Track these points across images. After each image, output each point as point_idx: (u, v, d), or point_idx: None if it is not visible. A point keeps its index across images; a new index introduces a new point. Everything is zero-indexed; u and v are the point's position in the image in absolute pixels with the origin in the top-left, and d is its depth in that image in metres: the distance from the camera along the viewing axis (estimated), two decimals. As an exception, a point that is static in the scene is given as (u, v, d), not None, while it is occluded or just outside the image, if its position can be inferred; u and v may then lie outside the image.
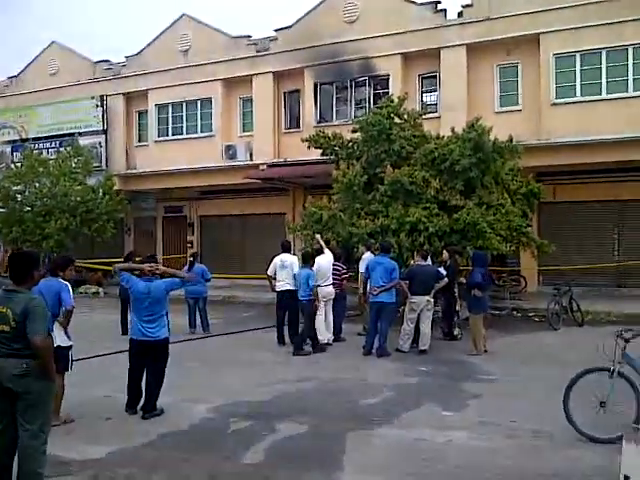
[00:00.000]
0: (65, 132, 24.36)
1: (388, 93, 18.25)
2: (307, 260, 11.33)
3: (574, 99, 17.11)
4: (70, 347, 7.05)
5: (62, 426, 6.79)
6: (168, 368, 7.52)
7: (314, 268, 11.26)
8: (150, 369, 7.37)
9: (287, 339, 11.61)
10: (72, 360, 7.13)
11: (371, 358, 10.51)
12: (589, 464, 5.73)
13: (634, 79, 16.55)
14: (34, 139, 25.10)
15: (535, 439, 6.38)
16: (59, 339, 6.76)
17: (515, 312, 15.53)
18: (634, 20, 16.25)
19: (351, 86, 20.22)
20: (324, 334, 11.21)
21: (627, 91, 16.62)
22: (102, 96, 23.93)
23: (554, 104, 17.23)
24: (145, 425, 7.02)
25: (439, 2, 19.00)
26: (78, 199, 21.37)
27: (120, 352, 9.15)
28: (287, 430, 6.76)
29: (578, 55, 17.07)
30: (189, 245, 24.03)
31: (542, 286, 17.92)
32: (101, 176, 22.51)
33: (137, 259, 12.09)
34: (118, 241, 23.99)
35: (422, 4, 19.04)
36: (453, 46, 18.42)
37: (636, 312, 14.46)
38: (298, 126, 21.18)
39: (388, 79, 19.36)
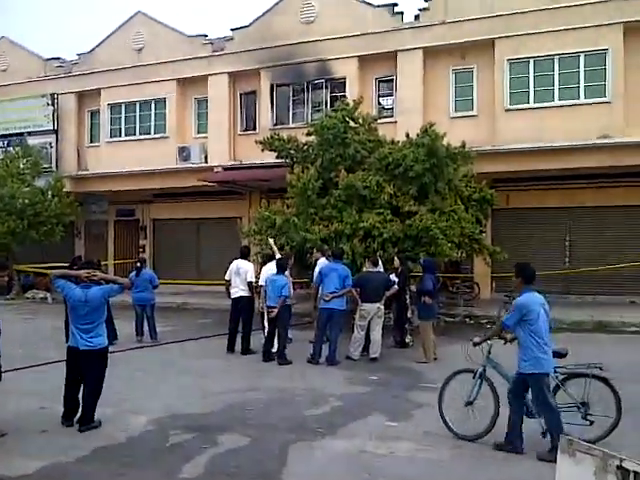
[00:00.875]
0: (14, 132, 23.63)
1: (345, 96, 18.19)
2: (283, 267, 11.03)
3: (527, 105, 17.27)
4: (-3, 357, 6.69)
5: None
6: (111, 378, 7.25)
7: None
8: (87, 379, 7.05)
9: (237, 347, 11.36)
10: (1, 371, 6.77)
11: (320, 367, 10.31)
12: (531, 475, 5.66)
13: (585, 86, 16.79)
14: (-20, 138, 24.25)
15: (479, 450, 6.27)
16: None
17: (468, 319, 15.54)
18: (585, 27, 16.51)
19: (308, 88, 20.07)
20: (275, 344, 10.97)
21: (579, 98, 16.85)
22: (53, 94, 23.31)
23: (508, 110, 17.37)
24: (81, 438, 6.71)
25: (396, 5, 19.03)
26: (26, 201, 20.64)
27: (60, 361, 8.74)
28: (229, 443, 6.53)
29: (532, 61, 17.24)
30: (141, 249, 23.54)
31: (495, 293, 18.02)
32: (51, 177, 21.84)
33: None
34: (68, 245, 23.32)
35: (379, 7, 19.02)
36: (409, 49, 18.44)
37: (583, 319, 14.65)
38: (254, 128, 20.92)
39: (345, 82, 19.27)
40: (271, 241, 12.76)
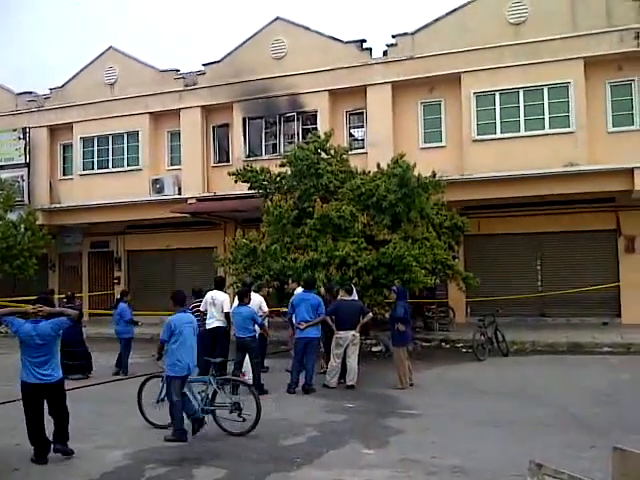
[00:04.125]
0: (-15, 165, 23.50)
1: (316, 128, 18.55)
2: (242, 298, 10.95)
3: (494, 136, 17.77)
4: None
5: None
6: (82, 411, 7.30)
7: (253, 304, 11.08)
8: (53, 411, 7.19)
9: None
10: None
11: (297, 396, 10.37)
12: None
13: (550, 117, 17.35)
14: (-49, 172, 24.03)
15: (454, 476, 6.38)
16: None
17: (443, 343, 15.78)
18: (548, 62, 17.11)
19: (280, 121, 20.37)
20: (249, 374, 10.97)
21: (544, 129, 17.39)
22: (25, 128, 23.30)
23: (475, 140, 17.84)
24: (55, 475, 6.68)
25: (365, 41, 19.50)
26: (-1, 235, 20.53)
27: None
28: (204, 476, 6.55)
29: (497, 94, 17.79)
30: (116, 281, 23.41)
31: (470, 317, 18.29)
32: (23, 211, 21.71)
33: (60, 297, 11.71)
34: (42, 278, 23.06)
35: (348, 42, 19.49)
36: (379, 84, 18.90)
37: (559, 341, 14.97)
38: (227, 160, 21.11)
39: (316, 115, 19.65)
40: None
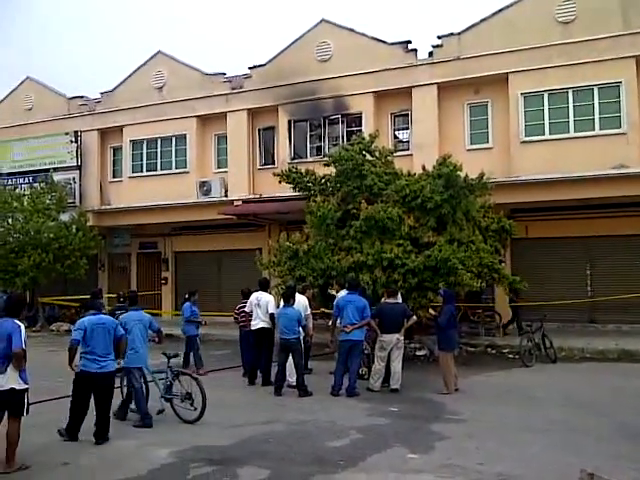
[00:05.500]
0: (39, 168, 24.25)
1: (361, 131, 18.52)
2: (288, 299, 11.07)
3: (543, 137, 17.41)
4: (26, 390, 6.87)
5: (17, 473, 6.58)
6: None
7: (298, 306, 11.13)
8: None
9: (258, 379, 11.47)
10: (28, 404, 6.95)
11: (340, 398, 10.35)
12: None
13: (600, 118, 16.92)
14: (7, 174, 24.89)
15: (500, 481, 6.30)
16: (13, 381, 6.64)
17: (489, 349, 15.50)
18: (598, 61, 16.70)
19: (325, 123, 20.42)
20: (292, 376, 11.02)
21: (594, 130, 16.97)
22: (76, 132, 23.93)
23: (523, 142, 17.52)
24: (103, 471, 6.87)
25: (410, 42, 19.39)
26: (51, 235, 21.22)
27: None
28: (248, 476, 6.61)
29: (546, 94, 17.44)
30: (163, 282, 23.83)
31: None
32: (74, 212, 22.36)
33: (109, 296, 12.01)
34: (92, 278, 23.67)
35: (393, 44, 19.41)
36: (424, 85, 18.76)
37: (609, 348, 14.54)
38: (273, 162, 21.26)
39: (361, 117, 19.61)
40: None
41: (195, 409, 8.67)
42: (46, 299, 22.47)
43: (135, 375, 8.72)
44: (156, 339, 9.34)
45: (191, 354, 13.15)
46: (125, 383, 9.15)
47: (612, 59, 16.58)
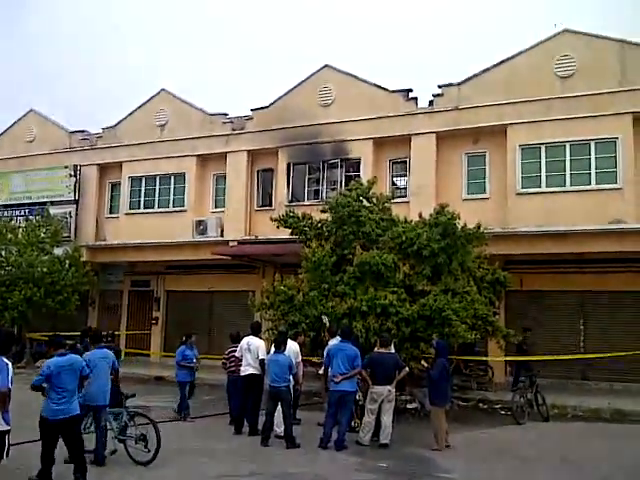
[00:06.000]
0: (36, 200, 24.23)
1: (359, 176, 18.58)
2: (280, 345, 10.91)
3: (539, 189, 17.47)
4: (7, 432, 6.67)
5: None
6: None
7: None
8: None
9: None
10: (9, 446, 6.73)
11: (329, 451, 10.09)
12: None
13: (596, 173, 17.02)
14: (4, 206, 24.89)
15: None
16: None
17: (481, 404, 15.21)
18: (596, 116, 16.87)
19: (324, 167, 20.52)
20: (280, 426, 10.78)
21: (590, 184, 17.05)
22: (76, 166, 23.98)
23: (520, 194, 17.58)
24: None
25: (411, 90, 19.62)
26: (44, 270, 21.02)
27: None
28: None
29: (543, 147, 17.58)
30: (154, 321, 23.57)
31: (510, 376, 17.64)
32: (69, 247, 22.22)
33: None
34: (81, 314, 23.41)
35: (394, 92, 19.64)
36: (423, 133, 18.91)
37: (602, 407, 14.30)
38: (270, 204, 21.30)
39: (360, 162, 19.71)
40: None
41: (149, 451, 8.69)
42: (34, 335, 22.16)
43: (101, 413, 8.74)
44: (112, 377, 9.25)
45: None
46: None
47: (609, 115, 16.76)
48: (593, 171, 17.05)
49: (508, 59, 18.33)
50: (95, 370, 8.59)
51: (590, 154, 17.12)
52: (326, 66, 20.92)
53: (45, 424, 7.64)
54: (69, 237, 23.19)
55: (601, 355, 16.76)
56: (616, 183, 16.74)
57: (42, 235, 22.03)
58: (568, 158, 17.31)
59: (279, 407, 10.60)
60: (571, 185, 17.22)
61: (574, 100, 17.14)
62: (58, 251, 21.86)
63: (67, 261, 21.61)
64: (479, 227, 14.31)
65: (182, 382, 12.90)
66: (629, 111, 16.67)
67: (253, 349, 11.56)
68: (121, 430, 9.02)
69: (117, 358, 12.87)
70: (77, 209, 23.86)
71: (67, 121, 25.78)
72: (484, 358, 17.12)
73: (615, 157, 16.84)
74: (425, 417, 11.59)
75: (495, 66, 18.45)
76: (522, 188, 17.61)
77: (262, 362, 11.31)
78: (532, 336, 16.59)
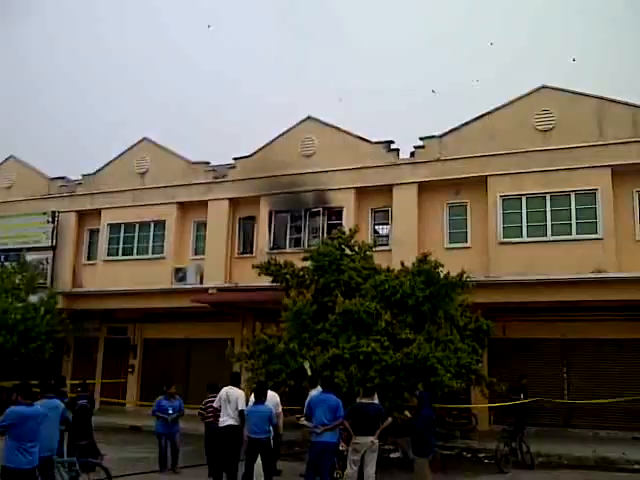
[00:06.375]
0: (12, 247, 23.84)
1: (341, 224, 18.62)
2: (260, 396, 10.59)
3: (520, 239, 17.67)
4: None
5: None
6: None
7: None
8: None
9: None
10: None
11: (310, 504, 9.73)
12: None
13: (577, 223, 17.26)
14: (-21, 252, 24.40)
15: None
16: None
17: (465, 452, 15.02)
18: (575, 169, 17.22)
19: (306, 215, 20.55)
20: (260, 478, 10.39)
21: (571, 234, 17.26)
22: (54, 212, 23.77)
23: (502, 243, 17.75)
24: None
25: (392, 142, 19.95)
26: (18, 317, 20.44)
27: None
28: None
29: (524, 198, 17.84)
30: (130, 370, 23.01)
31: (494, 424, 17.50)
32: (44, 293, 21.76)
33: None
34: (56, 361, 22.79)
35: (376, 143, 19.91)
36: (405, 184, 19.14)
37: (587, 455, 14.18)
38: (251, 251, 21.22)
39: (342, 211, 19.81)
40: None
41: None
42: (4, 382, 21.40)
43: (49, 464, 8.41)
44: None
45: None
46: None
47: (589, 167, 17.12)
48: (574, 222, 17.31)
49: (489, 112, 18.78)
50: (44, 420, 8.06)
51: (570, 205, 17.40)
52: (309, 118, 21.20)
53: (7, 474, 7.28)
54: (45, 283, 22.78)
55: (582, 402, 16.67)
56: (596, 233, 16.99)
57: (17, 282, 21.58)
58: (549, 209, 17.59)
59: (259, 459, 10.23)
60: (552, 235, 17.44)
61: (554, 153, 17.51)
62: (33, 298, 21.38)
63: (42, 308, 21.12)
64: (462, 275, 14.29)
65: (158, 434, 12.47)
66: (607, 164, 17.04)
67: (233, 400, 11.22)
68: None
69: (91, 407, 12.54)
70: (54, 255, 23.54)
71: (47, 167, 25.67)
72: (469, 405, 16.90)
73: (595, 208, 17.14)
74: (408, 467, 11.24)
75: (476, 119, 18.88)
76: (504, 238, 17.79)
77: (241, 413, 10.97)
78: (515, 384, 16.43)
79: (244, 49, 61.94)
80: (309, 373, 12.53)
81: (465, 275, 14.23)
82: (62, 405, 8.98)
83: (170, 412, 12.52)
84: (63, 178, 25.14)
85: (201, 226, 22.29)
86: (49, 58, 64.05)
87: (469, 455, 14.85)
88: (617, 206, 17.09)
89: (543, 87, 18.39)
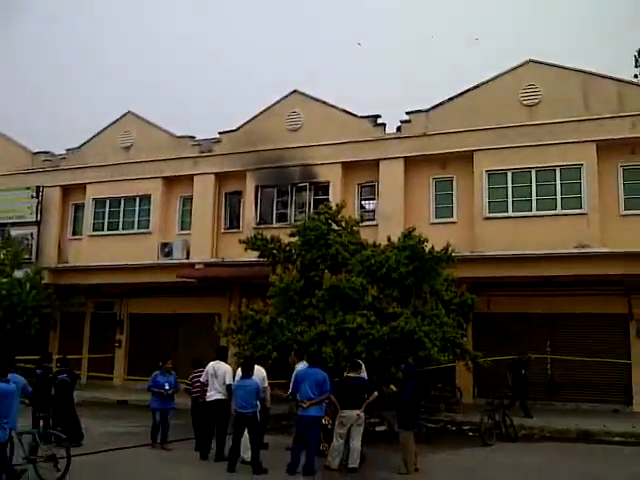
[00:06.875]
0: (-4, 222, 23.62)
1: (328, 199, 18.58)
2: (247, 370, 10.61)
3: (506, 214, 17.75)
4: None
5: None
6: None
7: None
8: None
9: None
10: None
11: (297, 477, 9.85)
12: None
13: (562, 198, 17.35)
14: (-37, 228, 24.16)
15: None
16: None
17: (449, 425, 15.20)
18: (561, 143, 17.27)
19: (292, 190, 20.48)
20: (247, 451, 10.51)
21: (556, 209, 17.36)
22: (39, 187, 23.55)
23: (487, 218, 17.82)
24: None
25: (379, 116, 19.84)
26: (3, 292, 20.39)
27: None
28: None
29: (509, 173, 17.88)
30: (117, 344, 23.04)
31: (478, 398, 17.80)
32: (30, 269, 21.66)
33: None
34: (43, 337, 22.76)
35: (363, 117, 19.81)
36: (391, 158, 19.10)
37: (569, 428, 14.43)
38: (238, 227, 21.15)
39: (328, 186, 19.76)
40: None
41: (58, 470, 8.82)
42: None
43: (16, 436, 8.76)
44: (27, 401, 9.76)
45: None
46: None
47: (574, 142, 17.16)
48: (559, 197, 17.39)
49: (475, 87, 18.70)
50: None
51: (556, 180, 17.46)
52: (295, 91, 21.04)
53: None
54: (30, 259, 22.63)
55: (565, 376, 16.98)
56: (581, 208, 17.08)
57: (2, 257, 21.45)
58: (534, 184, 17.64)
59: (246, 432, 10.35)
60: (537, 210, 17.52)
61: (540, 128, 17.52)
62: (19, 273, 21.30)
63: (28, 283, 21.03)
64: (447, 249, 14.35)
65: (153, 409, 12.29)
66: (593, 139, 17.09)
67: (220, 374, 11.30)
68: (31, 450, 9.02)
69: (74, 382, 12.53)
70: (39, 231, 23.37)
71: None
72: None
73: (580, 183, 17.22)
74: (394, 440, 11.41)
75: (462, 94, 18.79)
76: (489, 213, 17.86)
77: (229, 387, 11.05)
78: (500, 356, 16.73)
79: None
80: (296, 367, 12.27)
81: (450, 250, 14.30)
82: (23, 380, 9.26)
83: (167, 387, 12.45)
84: (47, 152, 24.83)
85: (187, 201, 22.16)
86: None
87: (453, 428, 15.04)
88: (602, 181, 17.18)
89: (530, 61, 18.33)
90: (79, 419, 12.37)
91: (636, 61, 28.88)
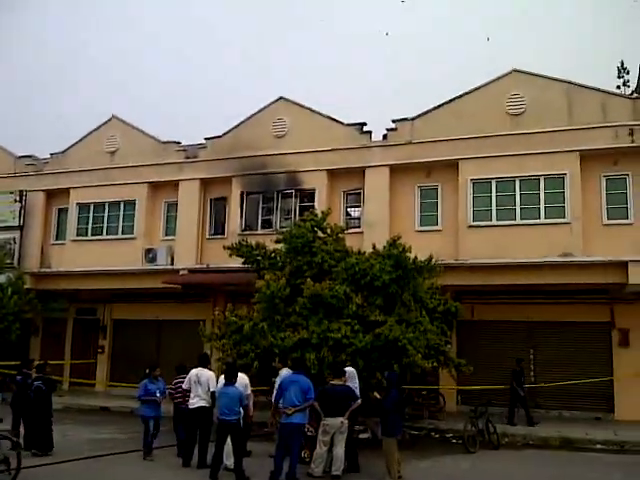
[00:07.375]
0: (-21, 226, 23.36)
1: (313, 206, 18.56)
2: (230, 377, 10.51)
3: (490, 223, 17.86)
4: None
5: None
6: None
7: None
8: None
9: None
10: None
11: (279, 485, 9.81)
12: None
13: (546, 207, 17.49)
14: (-56, 231, 23.85)
15: None
16: None
17: (433, 433, 15.25)
18: (545, 153, 17.42)
19: (277, 197, 20.46)
20: (230, 459, 10.44)
21: (539, 218, 17.49)
22: (22, 191, 23.33)
23: (471, 226, 17.91)
24: None
25: (365, 124, 19.90)
26: (-16, 298, 20.17)
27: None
28: None
29: (494, 182, 18.00)
30: (100, 350, 22.84)
31: (461, 405, 17.90)
32: (12, 273, 21.44)
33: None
34: (24, 342, 22.51)
35: (349, 125, 19.88)
36: (377, 166, 19.17)
37: (551, 435, 14.52)
38: (223, 233, 21.08)
39: (314, 193, 19.78)
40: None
41: (10, 474, 8.87)
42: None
43: None
44: None
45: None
46: None
47: (558, 152, 17.32)
48: (542, 206, 17.53)
49: (460, 96, 18.82)
50: None
51: (539, 189, 17.61)
52: (281, 98, 21.06)
53: None
54: (12, 264, 22.40)
55: (548, 385, 17.02)
56: (564, 218, 17.22)
57: (-17, 262, 21.24)
58: (518, 193, 17.77)
59: (228, 439, 10.29)
60: (521, 219, 17.64)
61: (524, 137, 17.66)
62: (1, 278, 21.10)
63: (9, 288, 20.82)
64: (430, 259, 14.43)
65: (145, 417, 11.98)
66: (576, 149, 17.25)
67: (204, 381, 11.27)
68: None
69: (51, 389, 12.35)
70: (22, 235, 23.16)
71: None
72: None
73: (563, 193, 17.37)
74: (377, 447, 11.40)
75: (448, 102, 18.91)
76: (473, 221, 17.96)
77: (213, 394, 11.00)
78: (483, 365, 16.76)
79: None
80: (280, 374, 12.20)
81: (433, 260, 14.37)
82: None
83: (158, 395, 12.20)
84: (30, 157, 24.63)
85: (172, 206, 22.07)
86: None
87: (437, 435, 15.09)
88: (585, 190, 17.34)
89: (514, 71, 18.50)
90: (52, 428, 12.01)
91: (619, 72, 29.31)
